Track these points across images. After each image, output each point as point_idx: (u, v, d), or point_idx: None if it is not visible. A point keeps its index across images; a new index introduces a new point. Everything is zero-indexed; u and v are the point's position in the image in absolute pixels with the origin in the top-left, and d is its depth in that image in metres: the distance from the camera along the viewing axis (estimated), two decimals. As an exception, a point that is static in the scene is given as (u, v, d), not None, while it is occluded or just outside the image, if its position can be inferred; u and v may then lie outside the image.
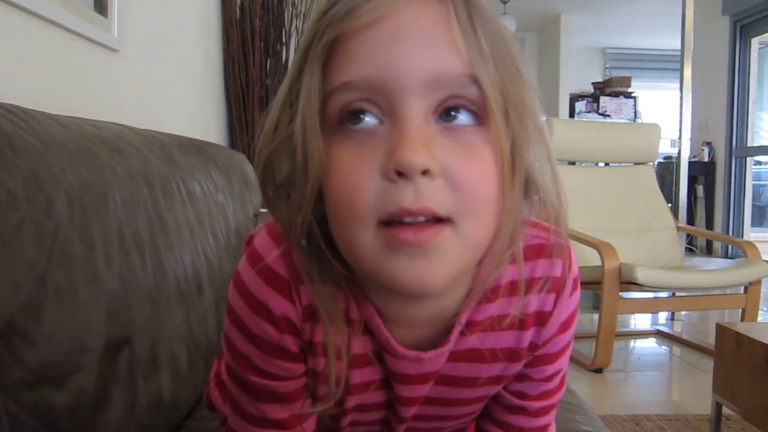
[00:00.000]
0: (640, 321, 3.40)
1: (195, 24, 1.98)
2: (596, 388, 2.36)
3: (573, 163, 3.27)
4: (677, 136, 3.57)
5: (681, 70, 3.50)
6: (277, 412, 0.54)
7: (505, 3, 6.51)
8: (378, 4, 0.40)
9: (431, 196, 0.39)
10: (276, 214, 0.47)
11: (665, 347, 2.95)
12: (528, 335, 0.52)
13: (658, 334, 3.11)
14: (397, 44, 0.40)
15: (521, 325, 0.52)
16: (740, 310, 2.57)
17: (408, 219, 0.40)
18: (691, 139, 3.73)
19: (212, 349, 1.00)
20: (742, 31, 5.62)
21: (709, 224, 5.94)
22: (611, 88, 7.45)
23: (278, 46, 2.39)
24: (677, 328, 3.22)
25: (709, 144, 5.94)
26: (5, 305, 0.56)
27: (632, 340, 3.07)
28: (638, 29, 7.21)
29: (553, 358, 0.55)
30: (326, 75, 0.42)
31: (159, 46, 1.61)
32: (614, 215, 3.03)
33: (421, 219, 0.40)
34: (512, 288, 0.50)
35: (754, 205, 6.10)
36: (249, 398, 0.54)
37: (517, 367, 0.54)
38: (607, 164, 3.35)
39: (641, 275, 2.33)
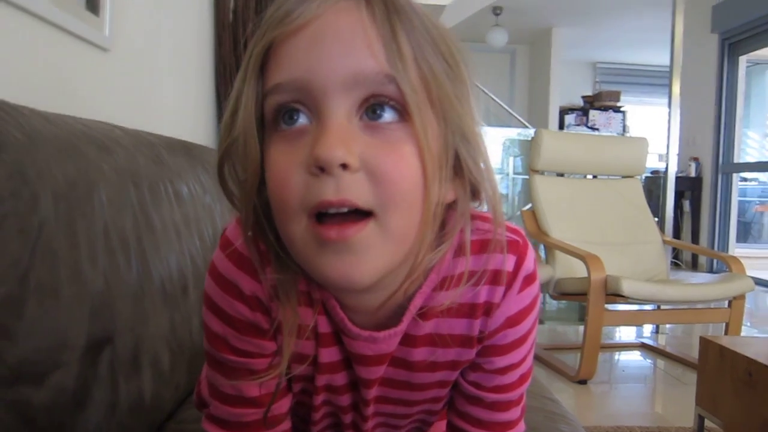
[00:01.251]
0: (625, 333, 3.42)
1: (187, 26, 1.98)
2: (581, 400, 2.36)
3: (561, 175, 3.28)
4: (665, 151, 3.60)
5: (670, 86, 3.54)
6: (252, 389, 0.57)
7: (497, 15, 6.56)
8: (304, 12, 0.44)
9: (351, 188, 0.42)
10: (236, 208, 0.51)
11: (649, 360, 2.96)
12: (477, 324, 0.56)
13: (643, 346, 3.13)
14: (317, 48, 0.43)
15: (472, 313, 0.55)
16: (724, 324, 2.59)
17: (332, 210, 0.43)
18: (678, 154, 3.76)
19: (195, 350, 0.99)
20: (731, 49, 5.69)
21: (695, 239, 5.98)
22: (601, 102, 7.51)
23: (270, 51, 2.39)
24: (662, 341, 3.23)
25: (696, 159, 5.99)
26: (-14, 300, 0.56)
27: (617, 353, 3.09)
28: (628, 44, 7.28)
29: (502, 350, 0.57)
30: (263, 79, 0.46)
31: (150, 46, 1.60)
32: (601, 227, 3.05)
33: (344, 210, 0.43)
34: (463, 278, 0.53)
35: (739, 221, 6.16)
36: (226, 378, 0.57)
37: (470, 353, 0.58)
38: (595, 177, 3.37)
39: (627, 287, 2.34)
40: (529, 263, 0.55)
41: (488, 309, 0.55)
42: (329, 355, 0.57)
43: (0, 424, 0.56)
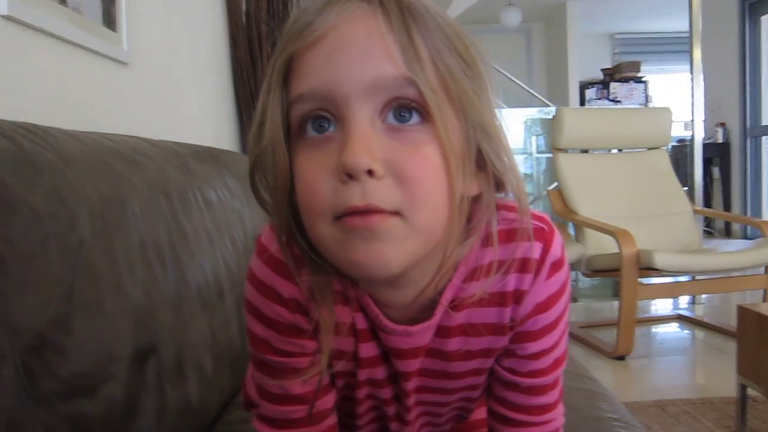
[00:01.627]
0: (661, 306, 3.38)
1: (202, 32, 2.00)
2: (619, 376, 2.35)
3: (585, 151, 3.26)
4: (690, 119, 3.55)
5: (690, 52, 3.48)
6: (297, 387, 0.59)
7: (509, -6, 6.49)
8: (322, 23, 0.45)
9: (377, 194, 0.44)
10: (269, 215, 0.52)
11: (687, 331, 2.93)
12: (508, 312, 0.57)
13: (680, 318, 3.10)
14: (337, 57, 0.45)
15: (502, 302, 0.56)
16: (762, 291, 2.56)
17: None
18: (704, 121, 3.72)
19: (236, 353, 1.02)
20: (751, 9, 5.56)
21: (727, 206, 5.89)
22: (621, 73, 7.39)
23: (285, 50, 2.40)
24: (699, 312, 3.20)
25: (722, 125, 5.88)
26: (35, 319, 0.58)
27: (654, 326, 3.06)
28: (645, 12, 7.14)
29: (534, 336, 0.58)
30: (287, 90, 0.47)
31: (168, 56, 1.62)
32: (630, 201, 3.02)
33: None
34: (492, 268, 0.54)
35: (771, 185, 6.04)
36: (272, 379, 0.59)
37: (503, 341, 0.59)
38: (620, 151, 3.34)
39: (659, 260, 2.32)
40: (556, 249, 0.56)
41: (518, 296, 0.56)
42: (368, 350, 0.59)
43: (58, 437, 0.59)
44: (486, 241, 0.54)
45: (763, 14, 5.52)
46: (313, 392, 0.59)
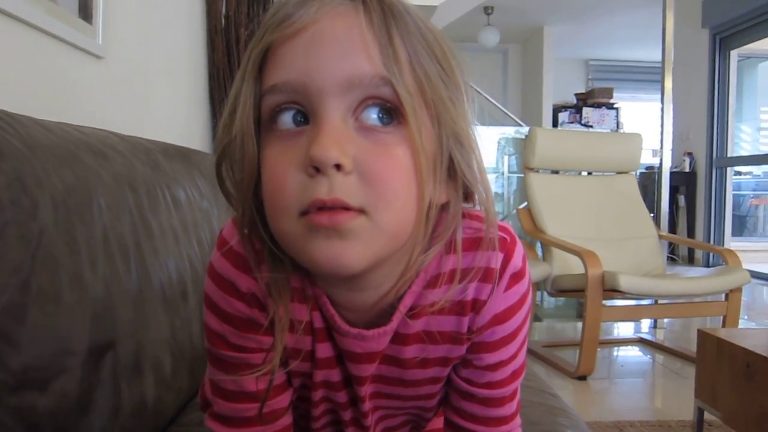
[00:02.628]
0: (623, 329, 3.43)
1: (180, 32, 1.98)
2: (580, 395, 2.37)
3: (556, 172, 3.30)
4: (659, 147, 3.62)
5: (662, 82, 3.55)
6: (252, 384, 0.58)
7: (488, 15, 6.57)
8: (302, 16, 0.45)
9: (344, 189, 0.43)
10: (233, 207, 0.52)
11: (648, 355, 2.97)
12: (466, 321, 0.56)
13: (641, 341, 3.14)
14: (314, 51, 0.44)
15: (461, 310, 0.56)
16: (722, 318, 2.60)
17: (324, 208, 0.44)
18: (672, 150, 3.78)
19: (196, 354, 1.00)
20: (722, 43, 5.71)
21: (691, 233, 6.00)
22: (594, 99, 7.52)
23: (263, 55, 2.39)
24: (660, 336, 3.25)
25: (690, 154, 6.01)
26: (-11, 307, 0.56)
27: (615, 348, 3.10)
28: (620, 41, 7.30)
29: (491, 347, 0.58)
30: (261, 81, 0.47)
31: (144, 53, 1.61)
32: (597, 224, 3.06)
33: (336, 208, 0.44)
34: (453, 276, 0.53)
35: (734, 215, 6.19)
36: (226, 374, 0.58)
37: (460, 350, 0.58)
38: (589, 173, 3.38)
39: (624, 282, 2.35)
40: (516, 260, 0.55)
41: (477, 306, 0.56)
42: (324, 350, 0.58)
43: (5, 430, 0.57)
44: (448, 249, 0.53)
45: (733, 48, 5.67)
46: (265, 391, 0.58)
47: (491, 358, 0.58)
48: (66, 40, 1.15)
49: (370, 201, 0.44)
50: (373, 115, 0.45)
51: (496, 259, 0.54)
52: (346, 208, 0.44)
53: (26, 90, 1.03)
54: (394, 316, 0.54)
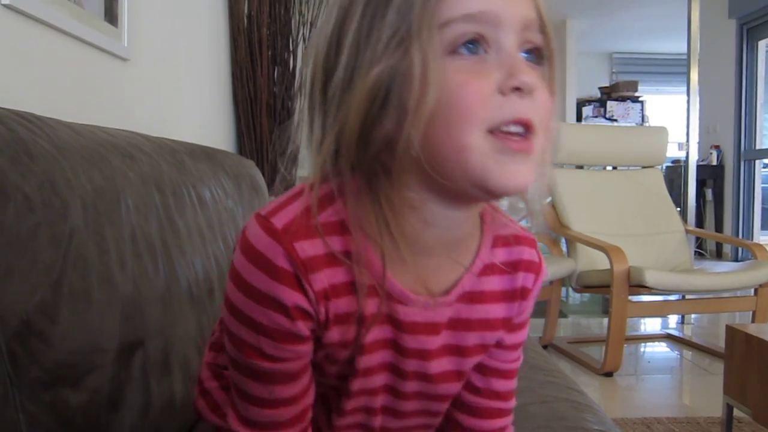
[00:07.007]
0: (650, 325, 3.39)
1: (203, 33, 2.00)
2: (606, 392, 2.35)
3: (581, 167, 3.27)
4: (685, 140, 3.57)
5: (688, 74, 3.50)
6: (287, 390, 0.57)
7: (510, 9, 6.52)
8: None
9: (533, 111, 0.49)
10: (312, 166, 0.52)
11: (676, 351, 2.94)
12: (516, 306, 0.63)
13: (668, 337, 3.10)
14: None
15: (511, 297, 0.62)
16: (751, 313, 2.56)
17: (513, 129, 0.48)
18: (699, 143, 3.72)
19: (223, 352, 1.01)
20: (749, 34, 5.61)
21: (719, 227, 5.91)
22: (618, 92, 7.43)
23: (285, 55, 2.41)
24: (687, 332, 3.21)
25: (717, 147, 5.92)
26: (22, 306, 0.58)
27: (642, 344, 3.06)
28: (644, 33, 7.20)
29: (517, 327, 0.65)
30: (439, 8, 0.48)
31: (168, 54, 1.63)
32: (623, 219, 3.03)
33: (521, 130, 0.48)
34: (501, 268, 0.61)
35: (763, 208, 6.06)
36: (260, 383, 0.56)
37: (502, 334, 0.63)
38: (615, 168, 3.35)
39: (650, 278, 2.32)
40: (542, 277, 0.64)
41: (524, 293, 0.62)
42: (374, 334, 0.56)
43: (39, 426, 0.58)
44: (495, 243, 0.60)
45: (761, 39, 5.57)
46: (302, 393, 0.57)
47: (518, 338, 0.65)
48: (92, 43, 1.17)
49: (542, 126, 0.50)
50: (525, 55, 0.51)
51: (537, 255, 0.63)
52: (529, 130, 0.49)
53: (54, 92, 1.05)
54: (452, 290, 0.58)
